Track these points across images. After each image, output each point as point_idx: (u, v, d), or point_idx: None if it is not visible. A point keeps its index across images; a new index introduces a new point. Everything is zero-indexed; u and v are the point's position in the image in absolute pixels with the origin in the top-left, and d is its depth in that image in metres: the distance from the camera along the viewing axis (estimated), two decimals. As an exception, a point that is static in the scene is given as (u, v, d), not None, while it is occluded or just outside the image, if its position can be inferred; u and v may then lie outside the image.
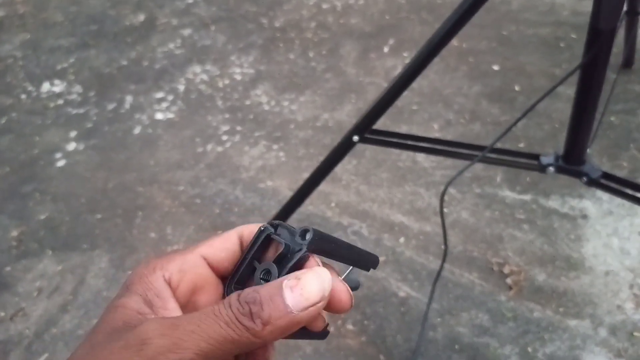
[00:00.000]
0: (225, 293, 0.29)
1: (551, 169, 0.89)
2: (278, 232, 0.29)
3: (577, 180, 0.87)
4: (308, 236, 0.27)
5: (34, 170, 1.40)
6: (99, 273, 1.14)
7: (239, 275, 0.29)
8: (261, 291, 0.24)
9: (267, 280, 0.27)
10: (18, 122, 1.57)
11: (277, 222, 0.29)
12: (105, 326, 0.26)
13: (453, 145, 0.93)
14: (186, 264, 0.28)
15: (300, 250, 0.27)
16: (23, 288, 1.12)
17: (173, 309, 0.27)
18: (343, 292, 0.28)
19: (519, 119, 0.85)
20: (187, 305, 0.28)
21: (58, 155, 1.44)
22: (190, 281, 0.28)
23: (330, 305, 0.27)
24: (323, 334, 0.30)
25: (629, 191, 0.85)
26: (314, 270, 0.26)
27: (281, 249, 0.27)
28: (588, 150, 0.89)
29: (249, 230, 0.30)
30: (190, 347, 0.23)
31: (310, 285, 0.25)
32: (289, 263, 0.27)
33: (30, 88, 1.71)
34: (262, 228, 0.29)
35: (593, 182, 0.87)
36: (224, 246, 0.29)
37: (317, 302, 0.25)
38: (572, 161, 0.88)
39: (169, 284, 0.28)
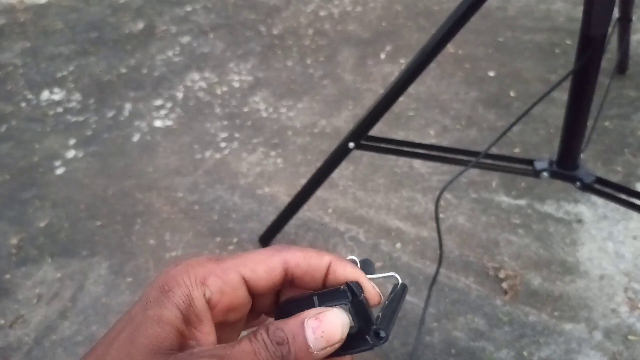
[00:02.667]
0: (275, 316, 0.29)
1: (545, 174, 0.90)
2: (353, 303, 0.28)
3: (571, 185, 0.88)
4: (382, 335, 0.27)
5: (33, 177, 1.41)
6: (98, 279, 1.14)
7: (296, 304, 0.29)
8: (285, 329, 0.25)
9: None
10: (18, 130, 1.58)
11: (357, 288, 0.28)
12: (147, 342, 0.25)
13: (448, 151, 0.95)
14: (228, 285, 0.28)
15: (367, 346, 0.27)
16: (22, 295, 1.13)
17: (208, 333, 0.27)
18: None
19: (511, 126, 0.86)
20: (218, 323, 0.29)
21: (57, 162, 1.45)
22: (227, 303, 0.28)
23: None
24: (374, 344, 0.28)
25: (622, 196, 0.87)
26: (335, 312, 0.26)
27: (351, 329, 0.27)
28: (582, 155, 0.90)
29: (295, 261, 0.29)
30: None
31: (331, 328, 0.26)
32: (352, 348, 0.27)
33: (30, 96, 1.72)
34: (342, 289, 0.28)
35: (586, 187, 0.88)
36: (268, 276, 0.29)
37: (336, 343, 0.26)
38: (565, 166, 0.89)
39: (208, 302, 0.27)
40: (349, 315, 0.27)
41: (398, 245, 1.14)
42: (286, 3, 2.08)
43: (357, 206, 1.23)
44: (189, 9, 2.11)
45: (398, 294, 0.30)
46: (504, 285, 1.04)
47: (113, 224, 1.26)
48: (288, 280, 0.29)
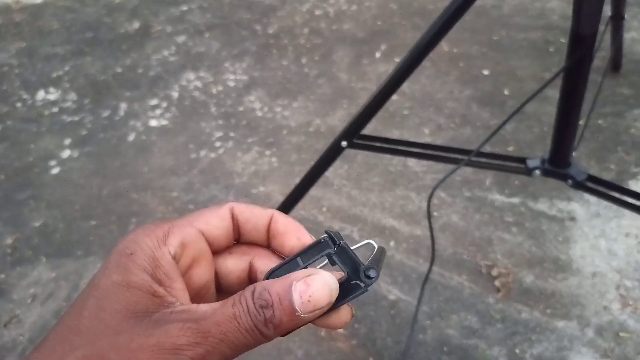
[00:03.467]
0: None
1: (537, 172, 0.90)
2: (337, 251, 0.28)
3: (564, 183, 0.89)
4: (372, 275, 0.27)
5: (28, 177, 1.42)
6: (92, 279, 1.15)
7: (283, 270, 0.29)
8: (272, 291, 0.25)
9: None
10: (13, 130, 1.58)
11: (337, 236, 0.28)
12: (119, 307, 0.25)
13: (441, 150, 0.95)
14: (187, 237, 0.28)
15: (360, 290, 0.27)
16: (17, 295, 1.13)
17: (181, 289, 0.27)
18: (344, 310, 0.28)
19: (503, 124, 0.86)
20: (185, 283, 0.28)
21: (53, 162, 1.45)
22: (190, 256, 0.28)
23: (329, 322, 0.28)
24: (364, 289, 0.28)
25: (614, 194, 0.87)
26: (323, 276, 0.26)
27: (342, 277, 0.28)
28: (574, 153, 0.90)
29: (240, 209, 0.30)
30: (219, 356, 0.24)
31: (319, 292, 0.25)
32: (347, 296, 0.27)
33: (25, 96, 1.72)
34: (322, 240, 0.28)
35: (578, 185, 0.88)
36: (220, 224, 0.30)
37: (324, 307, 0.26)
38: (557, 164, 0.90)
39: (173, 259, 0.27)
40: (340, 268, 0.28)
41: (392, 243, 1.14)
42: (282, 2, 2.08)
43: (351, 205, 1.24)
44: (184, 8, 2.11)
45: (377, 255, 0.30)
46: (497, 283, 1.04)
47: (108, 224, 1.26)
48: (235, 229, 0.30)
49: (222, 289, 0.32)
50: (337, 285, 0.27)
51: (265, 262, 0.31)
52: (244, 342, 0.25)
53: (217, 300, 0.30)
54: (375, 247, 0.31)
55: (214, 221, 0.29)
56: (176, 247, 0.27)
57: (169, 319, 0.24)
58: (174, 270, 0.27)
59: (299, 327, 0.26)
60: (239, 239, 0.31)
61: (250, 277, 0.31)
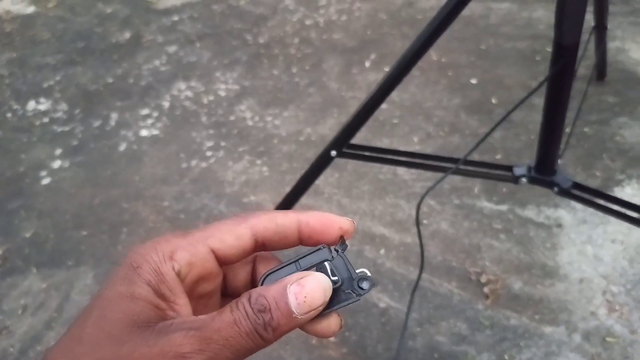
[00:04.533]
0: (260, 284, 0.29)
1: (524, 179, 0.92)
2: (335, 260, 0.29)
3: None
4: (366, 287, 0.28)
5: (19, 187, 1.41)
6: (84, 289, 1.15)
7: (279, 273, 0.29)
8: (267, 295, 0.26)
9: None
10: (4, 140, 1.58)
11: (342, 247, 0.29)
12: (121, 317, 0.25)
13: (430, 158, 0.96)
14: (196, 257, 0.28)
15: (352, 298, 0.28)
16: (8, 305, 1.13)
17: (184, 305, 0.27)
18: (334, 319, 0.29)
19: (489, 133, 0.88)
20: (189, 295, 0.29)
21: (44, 172, 1.45)
22: (196, 274, 0.28)
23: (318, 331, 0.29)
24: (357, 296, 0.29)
25: (599, 201, 0.88)
26: (316, 276, 0.27)
27: (336, 285, 0.28)
28: (559, 160, 0.92)
29: (262, 225, 0.29)
30: (219, 354, 0.25)
31: (313, 292, 0.26)
32: (339, 303, 0.28)
33: (16, 106, 1.72)
34: (322, 248, 0.29)
35: (564, 192, 0.90)
36: (236, 244, 0.29)
37: (319, 307, 0.26)
38: (543, 172, 0.91)
39: (178, 275, 0.27)
40: (331, 277, 0.28)
41: (382, 251, 1.15)
42: (272, 12, 2.10)
43: (342, 213, 1.24)
44: (175, 18, 2.12)
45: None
46: (486, 289, 1.05)
47: (99, 234, 1.26)
48: (259, 246, 0.29)
49: (228, 293, 0.32)
50: (330, 285, 0.27)
51: (267, 265, 0.31)
52: (246, 346, 0.25)
53: (223, 304, 0.30)
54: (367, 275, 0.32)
55: (230, 240, 0.29)
56: (182, 266, 0.27)
57: (171, 329, 0.25)
58: (177, 286, 0.27)
59: (295, 328, 0.27)
60: (263, 248, 0.30)
61: (254, 280, 0.32)
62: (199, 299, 0.30)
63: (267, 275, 0.29)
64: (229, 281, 0.31)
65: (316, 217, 0.30)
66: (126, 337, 0.25)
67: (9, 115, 1.69)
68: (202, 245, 0.28)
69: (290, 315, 0.26)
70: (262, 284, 0.29)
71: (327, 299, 0.27)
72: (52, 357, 0.25)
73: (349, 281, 0.28)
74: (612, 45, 1.63)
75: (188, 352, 0.24)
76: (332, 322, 0.29)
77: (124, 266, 0.27)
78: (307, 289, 0.26)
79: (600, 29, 1.23)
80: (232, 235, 0.29)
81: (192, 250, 0.28)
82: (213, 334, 0.25)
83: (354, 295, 0.28)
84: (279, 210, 0.30)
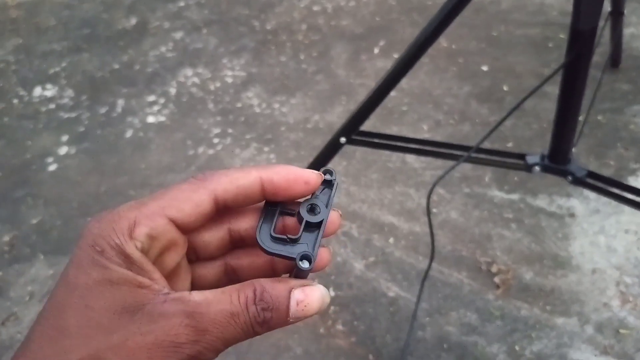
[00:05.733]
0: (260, 241, 0.28)
1: (537, 168, 0.90)
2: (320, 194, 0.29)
3: (563, 179, 0.88)
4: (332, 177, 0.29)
5: (26, 174, 1.41)
6: (90, 276, 1.14)
7: (274, 225, 0.28)
8: (273, 295, 0.26)
9: (315, 215, 0.28)
10: (10, 127, 1.58)
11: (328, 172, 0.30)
12: (107, 304, 0.24)
13: (440, 146, 0.94)
14: (155, 230, 0.26)
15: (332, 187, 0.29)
16: (15, 293, 1.13)
17: (159, 279, 0.26)
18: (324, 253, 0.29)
19: (502, 120, 0.86)
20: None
21: (50, 159, 1.45)
22: (158, 247, 0.27)
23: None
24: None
25: (614, 190, 0.87)
26: (320, 289, 0.27)
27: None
28: (573, 149, 0.90)
29: (223, 188, 0.27)
30: (213, 352, 0.25)
31: (313, 303, 0.26)
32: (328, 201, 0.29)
33: (22, 93, 1.71)
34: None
35: (578, 181, 0.88)
36: (196, 211, 0.27)
37: (311, 316, 0.27)
38: (557, 160, 0.89)
39: (142, 252, 0.26)
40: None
41: (391, 240, 1.14)
42: (280, -2, 2.07)
43: (350, 201, 1.23)
44: (182, 4, 2.10)
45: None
46: (496, 279, 1.04)
47: (106, 221, 1.25)
48: (221, 208, 0.28)
49: (200, 259, 0.30)
50: (329, 299, 0.28)
51: (246, 221, 0.29)
52: (237, 337, 0.25)
53: (192, 274, 0.30)
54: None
55: (189, 208, 0.27)
56: (143, 242, 0.26)
57: (164, 310, 0.24)
58: (146, 262, 0.26)
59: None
60: (225, 209, 0.29)
61: (234, 242, 0.30)
62: (167, 274, 0.28)
63: (262, 230, 0.28)
64: (201, 250, 0.30)
65: (280, 174, 0.28)
66: (116, 324, 0.24)
67: (15, 101, 1.68)
68: (160, 217, 0.26)
69: (286, 318, 0.26)
70: (260, 234, 0.28)
71: (322, 310, 0.27)
72: (35, 349, 0.24)
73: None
74: (626, 31, 1.59)
75: (183, 342, 0.24)
76: (322, 256, 0.29)
77: (85, 249, 0.25)
78: (309, 299, 0.26)
79: (616, 14, 1.19)
80: (191, 202, 0.27)
81: (150, 224, 0.26)
82: (209, 326, 0.24)
83: (300, 267, 0.27)
84: (239, 168, 0.28)
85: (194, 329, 0.24)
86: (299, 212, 0.28)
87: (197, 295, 0.25)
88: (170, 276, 0.28)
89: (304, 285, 0.27)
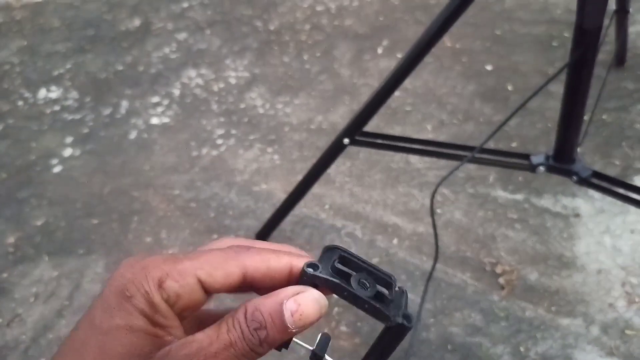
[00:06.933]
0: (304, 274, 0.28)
1: (541, 168, 0.89)
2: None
3: (568, 179, 0.88)
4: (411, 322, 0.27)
5: (30, 175, 1.41)
6: (95, 278, 1.14)
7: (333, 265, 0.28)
8: (264, 311, 0.26)
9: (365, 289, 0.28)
10: (14, 128, 1.58)
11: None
12: (122, 351, 0.25)
13: (443, 146, 0.94)
14: (184, 288, 0.27)
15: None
16: (19, 294, 1.13)
17: (178, 327, 0.27)
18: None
19: (506, 120, 0.85)
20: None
21: (54, 160, 1.45)
22: (184, 305, 0.28)
23: None
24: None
25: (619, 190, 0.86)
26: (312, 294, 0.27)
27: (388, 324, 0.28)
28: (578, 148, 0.89)
29: (254, 267, 0.28)
30: None
31: (309, 310, 0.27)
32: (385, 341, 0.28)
33: (26, 94, 1.72)
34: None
35: (583, 181, 0.87)
36: (225, 281, 0.28)
37: (314, 321, 0.27)
38: (562, 160, 0.89)
39: (167, 302, 0.27)
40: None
41: (395, 241, 1.14)
42: (283, -2, 2.07)
43: (353, 202, 1.23)
44: (185, 5, 2.10)
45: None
46: (501, 280, 1.03)
47: (110, 222, 1.25)
48: (248, 283, 0.29)
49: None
50: (326, 301, 0.28)
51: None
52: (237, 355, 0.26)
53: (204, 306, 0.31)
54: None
55: (219, 276, 0.28)
56: (171, 296, 0.27)
57: (170, 356, 0.25)
58: (168, 313, 0.27)
59: (288, 338, 0.27)
60: (251, 286, 0.30)
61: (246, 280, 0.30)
62: (182, 321, 0.29)
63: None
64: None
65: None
66: None
67: (20, 103, 1.68)
68: (191, 277, 0.27)
69: (286, 330, 0.26)
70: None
71: (323, 314, 0.27)
72: None
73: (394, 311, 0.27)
74: (631, 30, 1.58)
75: None
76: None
77: (114, 293, 0.27)
78: (303, 306, 0.26)
79: (622, 13, 1.19)
80: (222, 271, 0.28)
81: (181, 282, 0.27)
82: None
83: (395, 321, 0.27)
84: (272, 249, 0.29)
85: None
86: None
87: (199, 335, 0.26)
88: (184, 323, 0.30)
89: (297, 294, 0.27)
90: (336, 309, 1.02)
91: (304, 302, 0.27)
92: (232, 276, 0.28)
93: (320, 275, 0.28)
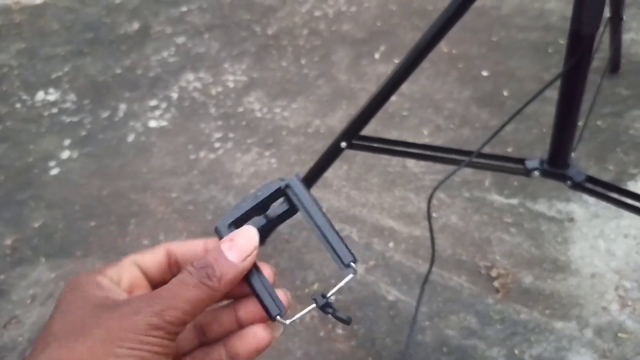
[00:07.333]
0: (218, 233, 0.35)
1: (536, 173, 0.90)
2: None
3: (563, 183, 0.89)
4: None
5: (28, 177, 1.42)
6: (92, 279, 1.15)
7: (240, 216, 0.35)
8: (208, 256, 0.32)
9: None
10: (13, 131, 1.59)
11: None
12: (82, 304, 0.30)
13: (440, 151, 0.95)
14: (121, 267, 0.34)
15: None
16: (17, 295, 1.13)
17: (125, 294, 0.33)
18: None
19: (503, 126, 0.87)
20: None
21: (52, 163, 1.46)
22: (127, 280, 0.34)
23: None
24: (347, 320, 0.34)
25: (613, 194, 0.87)
26: (242, 229, 0.33)
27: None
28: (573, 154, 0.90)
29: (174, 246, 0.36)
30: (177, 308, 0.30)
31: (242, 242, 0.32)
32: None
33: (25, 97, 1.72)
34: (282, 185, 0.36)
35: (577, 186, 0.88)
36: (153, 258, 0.35)
37: (252, 252, 0.32)
38: (556, 165, 0.90)
39: (111, 281, 0.33)
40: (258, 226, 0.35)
41: (391, 244, 1.14)
42: (281, 3, 2.08)
43: (350, 205, 1.24)
44: (184, 9, 2.11)
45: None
46: (496, 283, 1.04)
47: (107, 225, 1.26)
48: (174, 262, 0.36)
49: None
50: (256, 232, 0.33)
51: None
52: (196, 296, 0.30)
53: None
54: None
55: (148, 257, 0.35)
56: (111, 275, 0.33)
57: (133, 303, 0.30)
58: (113, 286, 0.32)
59: (241, 276, 0.32)
60: (177, 265, 0.36)
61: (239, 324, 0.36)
62: None
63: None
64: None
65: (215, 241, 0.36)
66: (94, 315, 0.29)
67: (18, 105, 1.69)
68: (124, 261, 0.35)
69: (230, 263, 0.31)
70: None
71: (256, 243, 0.33)
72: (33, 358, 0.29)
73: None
74: (626, 37, 1.60)
75: (143, 306, 0.29)
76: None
77: (66, 288, 0.32)
78: (237, 240, 0.32)
79: (616, 20, 1.20)
80: (150, 253, 0.35)
81: (115, 266, 0.34)
82: (162, 292, 0.30)
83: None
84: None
85: (148, 297, 0.30)
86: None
87: (164, 287, 0.31)
88: None
89: (231, 234, 0.33)
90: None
91: (237, 236, 0.32)
92: (158, 254, 0.35)
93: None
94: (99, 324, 0.29)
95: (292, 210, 0.36)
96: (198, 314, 0.31)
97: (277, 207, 0.37)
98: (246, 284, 0.33)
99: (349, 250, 0.33)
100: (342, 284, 0.33)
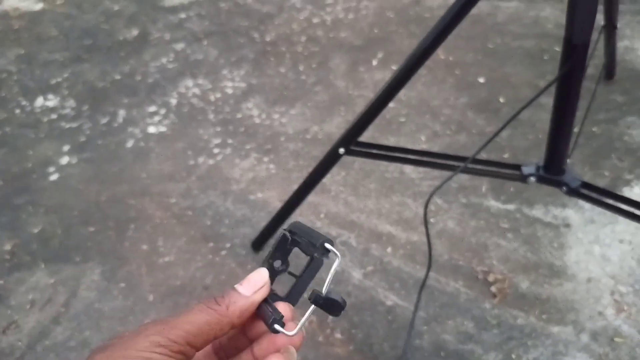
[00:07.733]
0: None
1: (532, 178, 0.91)
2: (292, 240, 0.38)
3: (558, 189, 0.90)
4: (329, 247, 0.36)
5: (27, 183, 1.42)
6: (91, 285, 1.15)
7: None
8: (224, 295, 0.35)
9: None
10: (12, 136, 1.59)
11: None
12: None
13: (437, 157, 0.96)
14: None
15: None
16: (16, 301, 1.14)
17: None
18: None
19: (498, 132, 0.88)
20: None
21: (51, 168, 1.46)
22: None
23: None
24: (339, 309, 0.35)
25: (608, 200, 0.88)
26: (255, 270, 0.37)
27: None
28: (568, 160, 0.91)
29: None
30: (180, 328, 0.31)
31: (253, 278, 0.36)
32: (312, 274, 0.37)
33: (24, 102, 1.73)
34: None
35: (572, 192, 0.89)
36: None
37: (262, 286, 0.35)
38: (552, 171, 0.91)
39: None
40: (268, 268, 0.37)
41: (389, 249, 1.15)
42: (279, 10, 2.10)
43: (348, 211, 1.25)
44: (182, 16, 2.12)
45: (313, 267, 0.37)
46: (493, 288, 1.05)
47: (106, 230, 1.26)
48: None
49: None
50: (266, 271, 0.36)
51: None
52: (201, 318, 0.32)
53: None
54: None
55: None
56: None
57: (140, 326, 0.32)
58: None
59: (253, 307, 0.35)
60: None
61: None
62: None
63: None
64: None
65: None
66: None
67: (17, 111, 1.69)
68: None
69: (240, 294, 0.34)
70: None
71: (266, 279, 0.36)
72: None
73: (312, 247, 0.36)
74: (620, 44, 1.62)
75: (148, 327, 0.31)
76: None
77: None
78: (249, 279, 0.36)
79: (610, 28, 1.22)
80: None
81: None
82: (169, 318, 0.32)
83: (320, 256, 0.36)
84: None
85: (155, 323, 0.32)
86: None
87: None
88: None
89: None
90: (330, 317, 1.03)
91: (248, 277, 0.36)
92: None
93: None
94: (105, 347, 0.30)
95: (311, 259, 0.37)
96: (207, 339, 0.32)
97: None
98: (262, 321, 0.36)
99: (322, 235, 0.36)
100: (332, 272, 0.34)
